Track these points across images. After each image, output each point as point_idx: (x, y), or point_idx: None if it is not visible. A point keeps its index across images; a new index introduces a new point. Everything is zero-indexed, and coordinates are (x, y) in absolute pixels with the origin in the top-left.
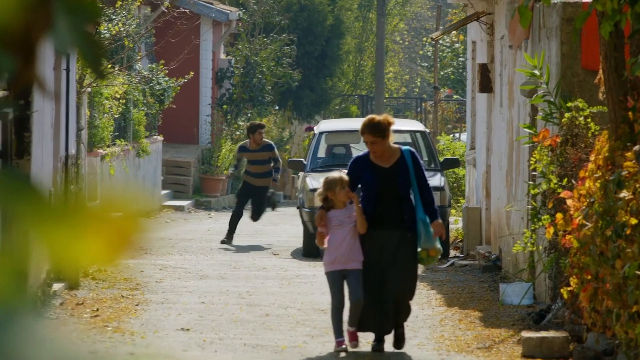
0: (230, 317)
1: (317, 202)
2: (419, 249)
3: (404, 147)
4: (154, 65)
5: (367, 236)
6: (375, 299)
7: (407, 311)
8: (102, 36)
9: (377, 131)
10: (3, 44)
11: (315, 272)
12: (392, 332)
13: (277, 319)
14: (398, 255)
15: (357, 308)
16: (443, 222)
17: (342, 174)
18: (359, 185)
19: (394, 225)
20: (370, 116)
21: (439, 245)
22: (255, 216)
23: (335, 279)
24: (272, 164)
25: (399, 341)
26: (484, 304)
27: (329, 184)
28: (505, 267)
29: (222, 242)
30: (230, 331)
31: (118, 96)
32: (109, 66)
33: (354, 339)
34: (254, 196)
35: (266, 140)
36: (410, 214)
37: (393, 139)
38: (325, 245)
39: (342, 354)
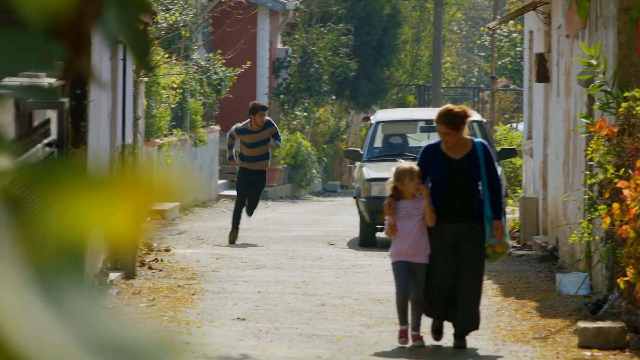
0: (286, 306)
1: (387, 192)
2: (486, 245)
3: (476, 140)
4: (210, 55)
5: (434, 228)
6: (442, 292)
7: (475, 319)
8: (159, 25)
9: (452, 123)
10: (53, 33)
11: (372, 262)
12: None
13: (332, 308)
14: (466, 248)
15: (418, 306)
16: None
17: (412, 164)
18: (428, 176)
19: (462, 218)
20: (447, 106)
21: (507, 241)
22: (251, 209)
23: (401, 269)
24: (271, 141)
25: (461, 342)
26: (540, 294)
27: (399, 175)
28: (561, 257)
29: (231, 242)
30: (286, 321)
31: (175, 86)
32: (166, 55)
33: (418, 339)
34: (254, 184)
35: (267, 118)
36: (479, 208)
37: (467, 131)
38: (394, 236)
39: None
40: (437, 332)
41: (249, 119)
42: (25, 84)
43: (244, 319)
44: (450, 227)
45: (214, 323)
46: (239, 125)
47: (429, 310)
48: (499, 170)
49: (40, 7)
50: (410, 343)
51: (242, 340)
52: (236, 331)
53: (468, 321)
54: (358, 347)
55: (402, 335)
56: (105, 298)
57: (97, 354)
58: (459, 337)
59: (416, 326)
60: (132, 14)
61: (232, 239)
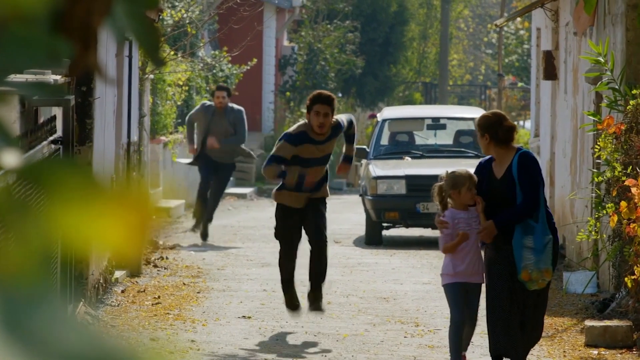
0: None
1: (435, 199)
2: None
3: (520, 150)
4: (217, 52)
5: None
6: (502, 317)
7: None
8: (164, 22)
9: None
10: (61, 30)
11: (378, 261)
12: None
13: (338, 307)
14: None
15: (473, 329)
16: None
17: (470, 171)
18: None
19: (507, 242)
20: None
21: (544, 266)
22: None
23: (458, 293)
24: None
25: None
26: None
27: (456, 181)
28: (568, 256)
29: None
30: (292, 319)
31: (181, 83)
32: (172, 53)
33: None
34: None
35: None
36: (535, 242)
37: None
38: (450, 254)
39: None
40: None
41: (302, 122)
42: (31, 80)
43: (249, 317)
44: (500, 250)
45: (219, 321)
46: (291, 131)
47: (496, 343)
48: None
49: (49, 3)
50: None
51: (248, 338)
52: (242, 329)
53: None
54: (364, 345)
55: None
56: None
57: None
58: None
59: (465, 346)
60: (141, 10)
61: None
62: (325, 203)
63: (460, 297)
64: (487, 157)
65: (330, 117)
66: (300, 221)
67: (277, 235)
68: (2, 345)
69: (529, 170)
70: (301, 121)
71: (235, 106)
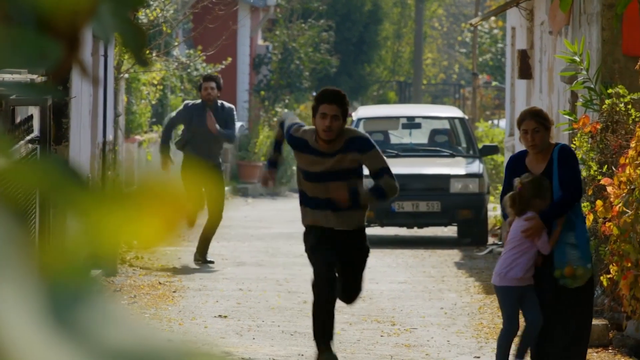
0: (267, 304)
1: (511, 209)
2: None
3: (558, 144)
4: (191, 51)
5: None
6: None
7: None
8: (139, 22)
9: (542, 118)
10: (49, 31)
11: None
12: None
13: None
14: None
15: (535, 332)
16: (481, 210)
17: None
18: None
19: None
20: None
21: (588, 262)
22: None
23: (512, 297)
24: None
25: None
26: None
27: (541, 188)
28: None
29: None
30: (268, 318)
31: (155, 82)
32: (147, 52)
33: None
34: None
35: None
36: (578, 238)
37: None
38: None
39: None
40: None
41: (308, 126)
42: (19, 80)
43: (225, 317)
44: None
45: (195, 320)
46: (292, 131)
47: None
48: (481, 167)
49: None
50: None
51: (224, 337)
52: (218, 329)
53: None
54: (340, 344)
55: None
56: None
57: None
58: None
59: (520, 356)
60: (127, 9)
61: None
62: (366, 242)
63: (515, 302)
64: (519, 152)
65: (341, 121)
66: (333, 246)
67: (308, 255)
68: (55, 343)
69: (572, 162)
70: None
71: (226, 104)
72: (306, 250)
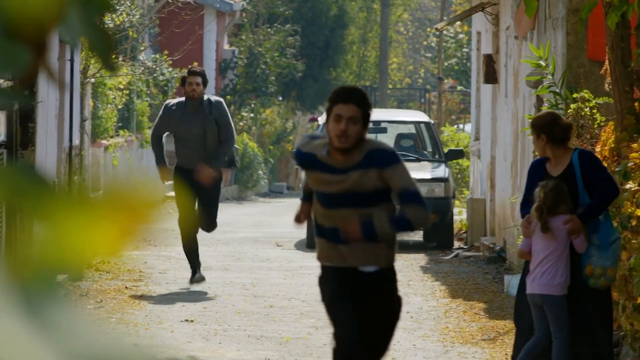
0: (234, 308)
1: (537, 220)
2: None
3: (577, 149)
4: (157, 56)
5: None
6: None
7: None
8: (106, 26)
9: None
10: (17, 37)
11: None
12: None
13: (281, 310)
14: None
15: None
16: (446, 215)
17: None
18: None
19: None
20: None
21: (609, 264)
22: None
23: (561, 303)
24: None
25: None
26: (488, 296)
27: (562, 194)
28: (509, 259)
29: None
30: (234, 322)
31: (122, 87)
32: (114, 57)
33: None
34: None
35: (210, 96)
36: (600, 238)
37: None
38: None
39: None
40: None
41: (318, 136)
42: None
43: (192, 321)
44: None
45: (162, 325)
46: (300, 145)
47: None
48: (446, 171)
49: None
50: None
51: (191, 342)
52: (184, 333)
53: None
54: (307, 349)
55: None
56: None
57: None
58: None
59: None
60: (95, 14)
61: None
62: (396, 288)
63: (538, 310)
64: (539, 158)
65: (361, 126)
66: (351, 293)
67: (326, 308)
68: (26, 345)
69: (597, 165)
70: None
71: (213, 97)
72: (322, 300)
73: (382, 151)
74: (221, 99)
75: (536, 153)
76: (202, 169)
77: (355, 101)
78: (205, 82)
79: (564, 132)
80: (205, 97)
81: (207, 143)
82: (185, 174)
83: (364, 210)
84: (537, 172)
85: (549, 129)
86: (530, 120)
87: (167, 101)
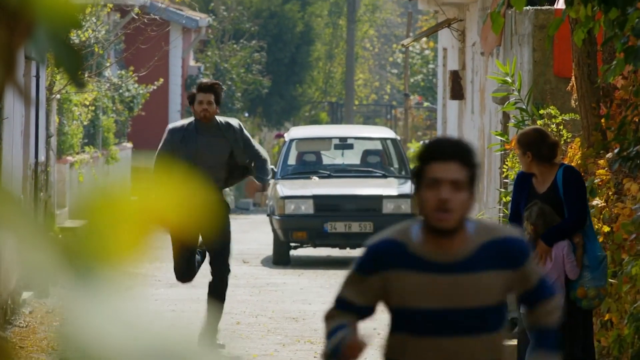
0: (201, 325)
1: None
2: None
3: (563, 165)
4: (123, 72)
5: None
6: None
7: None
8: (72, 42)
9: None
10: None
11: (286, 280)
12: None
13: (247, 327)
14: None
15: None
16: None
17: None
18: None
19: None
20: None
21: (601, 284)
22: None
23: None
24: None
25: None
26: None
27: (546, 218)
28: None
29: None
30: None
31: (87, 103)
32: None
33: None
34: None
35: (222, 118)
36: (589, 259)
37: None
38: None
39: None
40: None
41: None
42: None
43: None
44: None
45: None
46: (175, 125)
47: None
48: (412, 188)
49: None
50: None
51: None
52: None
53: None
54: None
55: None
56: (18, 317)
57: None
58: None
59: None
60: (63, 31)
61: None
62: None
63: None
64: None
65: (468, 195)
66: None
67: None
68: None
69: (576, 184)
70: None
71: (230, 120)
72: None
73: (514, 241)
74: (237, 120)
75: (504, 169)
76: (250, 181)
77: (458, 157)
78: (218, 100)
79: (550, 150)
80: (219, 119)
81: (224, 176)
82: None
83: (485, 337)
84: (523, 187)
85: (535, 147)
86: (496, 136)
87: (170, 125)
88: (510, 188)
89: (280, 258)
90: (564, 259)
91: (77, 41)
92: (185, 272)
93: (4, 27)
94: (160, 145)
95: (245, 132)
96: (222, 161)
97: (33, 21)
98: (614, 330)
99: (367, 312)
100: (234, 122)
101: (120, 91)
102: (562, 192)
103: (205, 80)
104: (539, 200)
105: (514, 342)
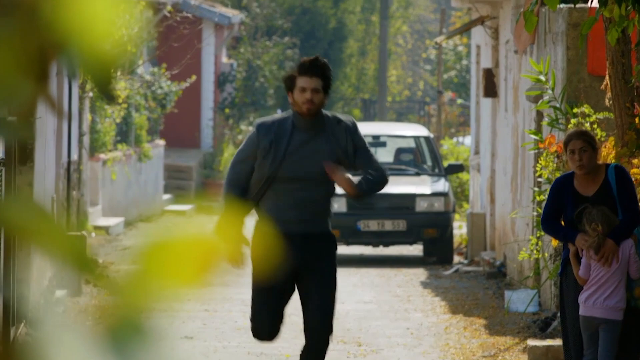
0: (233, 324)
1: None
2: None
3: (611, 164)
4: (155, 70)
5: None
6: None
7: None
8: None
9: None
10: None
11: None
12: None
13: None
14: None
15: None
16: (446, 229)
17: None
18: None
19: None
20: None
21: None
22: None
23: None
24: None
25: None
26: (489, 312)
27: (611, 220)
28: (510, 274)
29: None
30: (234, 339)
31: (120, 101)
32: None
33: None
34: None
35: (330, 113)
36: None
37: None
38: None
39: None
40: None
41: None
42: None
43: (191, 338)
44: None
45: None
46: (262, 120)
47: None
48: (446, 185)
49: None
50: None
51: (191, 359)
52: (184, 350)
53: None
54: None
55: None
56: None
57: None
58: None
59: None
60: (94, 45)
61: None
62: None
63: (592, 334)
64: (566, 173)
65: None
66: None
67: None
68: None
69: (630, 182)
70: None
71: (342, 116)
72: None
73: None
74: (353, 119)
75: (537, 167)
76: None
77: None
78: (328, 87)
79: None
80: (326, 113)
81: (329, 191)
82: (286, 245)
83: None
84: (564, 192)
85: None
86: (530, 134)
87: (257, 121)
88: (544, 187)
89: None
90: (630, 258)
91: (110, 41)
92: (268, 327)
93: (37, 40)
94: (236, 155)
95: (360, 133)
96: (321, 169)
97: (65, 35)
98: None
99: None
100: (347, 119)
101: (153, 88)
102: (616, 191)
103: (310, 58)
104: (589, 202)
105: (548, 342)
